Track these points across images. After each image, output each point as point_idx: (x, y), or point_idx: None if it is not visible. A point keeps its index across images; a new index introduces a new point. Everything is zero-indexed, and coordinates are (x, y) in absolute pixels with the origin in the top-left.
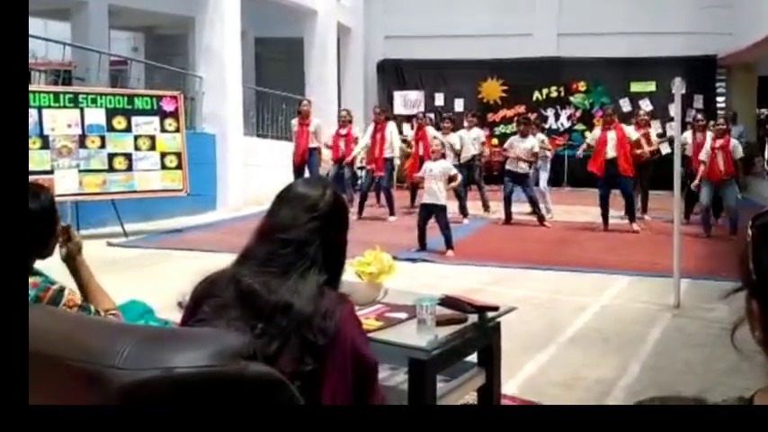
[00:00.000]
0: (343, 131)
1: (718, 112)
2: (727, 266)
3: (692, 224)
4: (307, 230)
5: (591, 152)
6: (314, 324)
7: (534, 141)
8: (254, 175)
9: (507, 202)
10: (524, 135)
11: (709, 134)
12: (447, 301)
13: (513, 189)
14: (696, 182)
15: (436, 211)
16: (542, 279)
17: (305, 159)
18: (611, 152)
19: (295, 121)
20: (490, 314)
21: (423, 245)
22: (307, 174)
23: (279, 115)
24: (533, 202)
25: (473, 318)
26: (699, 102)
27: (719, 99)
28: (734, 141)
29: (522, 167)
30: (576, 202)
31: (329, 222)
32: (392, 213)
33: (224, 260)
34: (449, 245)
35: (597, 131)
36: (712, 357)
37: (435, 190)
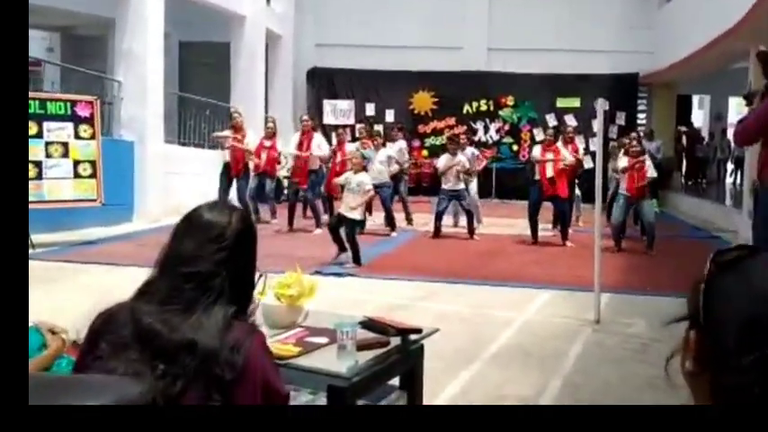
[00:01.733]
0: (268, 143)
1: (638, 128)
2: (646, 281)
3: (628, 238)
4: (212, 262)
5: (531, 167)
6: (221, 358)
7: (463, 158)
8: (175, 184)
9: (438, 218)
10: (453, 153)
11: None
12: (369, 324)
13: (448, 206)
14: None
15: (346, 222)
16: (468, 293)
17: (239, 172)
18: (549, 172)
19: (229, 132)
20: (413, 337)
21: (341, 247)
22: (234, 186)
23: (203, 122)
24: (470, 216)
25: (395, 341)
26: (621, 118)
27: (641, 116)
28: (648, 162)
29: (459, 185)
30: (503, 214)
31: (237, 252)
32: (318, 226)
33: (138, 275)
34: (356, 259)
35: (537, 150)
36: (630, 373)
37: (350, 202)
